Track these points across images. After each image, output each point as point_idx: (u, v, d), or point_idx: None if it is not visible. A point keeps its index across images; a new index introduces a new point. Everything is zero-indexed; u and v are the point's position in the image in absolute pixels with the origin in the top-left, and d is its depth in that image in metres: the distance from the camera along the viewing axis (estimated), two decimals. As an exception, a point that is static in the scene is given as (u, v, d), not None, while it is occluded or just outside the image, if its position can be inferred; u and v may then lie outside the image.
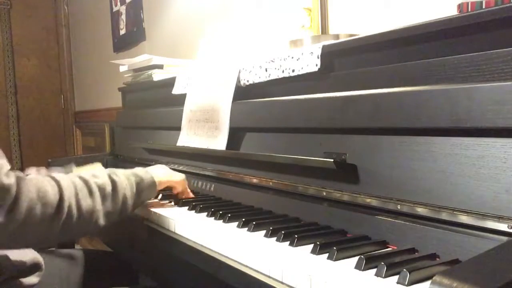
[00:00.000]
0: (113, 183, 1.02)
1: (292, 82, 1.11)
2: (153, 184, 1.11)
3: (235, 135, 1.26)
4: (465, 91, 0.71)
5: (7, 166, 0.85)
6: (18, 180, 0.85)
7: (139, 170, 1.12)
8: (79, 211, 0.93)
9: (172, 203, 1.20)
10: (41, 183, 0.89)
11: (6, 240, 0.86)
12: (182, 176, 1.23)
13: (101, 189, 0.99)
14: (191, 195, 1.25)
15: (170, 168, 1.24)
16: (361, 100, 0.89)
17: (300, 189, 1.00)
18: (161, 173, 1.17)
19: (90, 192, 0.97)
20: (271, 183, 1.08)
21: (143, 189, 1.09)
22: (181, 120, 1.50)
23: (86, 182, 0.98)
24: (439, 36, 0.79)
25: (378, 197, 0.82)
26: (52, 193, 0.89)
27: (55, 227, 0.89)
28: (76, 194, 0.94)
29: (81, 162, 1.90)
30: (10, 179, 0.83)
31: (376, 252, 0.74)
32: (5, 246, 0.98)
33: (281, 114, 1.10)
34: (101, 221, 0.98)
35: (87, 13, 3.72)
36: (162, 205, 1.19)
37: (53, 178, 0.93)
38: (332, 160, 0.88)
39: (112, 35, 3.23)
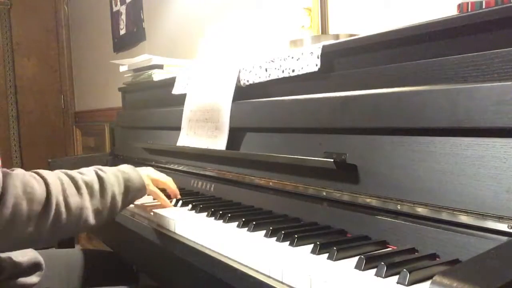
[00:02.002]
0: (100, 179, 0.99)
1: (292, 82, 1.11)
2: (140, 181, 1.08)
3: (235, 135, 1.26)
4: (465, 91, 0.71)
5: None
6: (4, 176, 0.82)
7: (126, 168, 1.10)
8: (68, 208, 0.90)
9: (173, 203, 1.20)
10: (27, 178, 0.86)
11: None
12: (168, 177, 1.22)
13: (89, 186, 0.96)
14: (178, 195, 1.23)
15: (168, 168, 1.24)
16: (361, 100, 0.89)
17: (300, 189, 1.00)
18: (148, 172, 1.15)
19: (78, 189, 0.94)
20: (271, 183, 1.08)
21: (131, 187, 1.06)
22: (181, 120, 1.50)
23: (72, 179, 0.95)
24: (439, 36, 0.79)
25: (378, 197, 0.82)
26: (39, 189, 0.86)
27: (44, 224, 0.86)
28: (64, 191, 0.91)
29: (81, 162, 1.90)
30: None
31: (376, 252, 0.74)
32: None
33: (281, 114, 1.10)
34: (91, 219, 0.95)
35: (87, 13, 3.72)
36: (162, 205, 1.19)
37: (39, 174, 0.90)
38: (332, 160, 0.88)
39: (112, 35, 3.23)
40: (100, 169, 1.03)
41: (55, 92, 4.10)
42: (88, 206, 0.94)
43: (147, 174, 1.13)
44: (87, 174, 0.99)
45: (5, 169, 0.85)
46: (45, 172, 0.92)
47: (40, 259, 1.13)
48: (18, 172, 0.87)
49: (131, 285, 1.42)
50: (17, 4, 3.89)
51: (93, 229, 0.99)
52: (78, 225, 0.94)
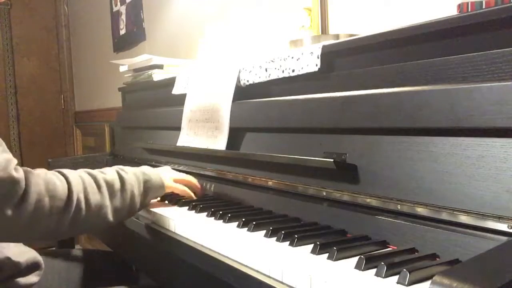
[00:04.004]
0: (121, 179, 1.02)
1: (292, 82, 1.11)
2: (160, 182, 1.12)
3: (235, 135, 1.26)
4: (465, 91, 0.71)
5: (15, 160, 0.86)
6: (27, 174, 0.86)
7: (148, 169, 1.13)
8: (88, 206, 0.93)
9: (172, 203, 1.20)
10: (49, 177, 0.90)
11: (17, 233, 0.87)
12: (189, 175, 1.24)
13: (109, 185, 0.99)
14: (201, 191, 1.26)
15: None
16: (361, 100, 0.89)
17: (300, 189, 1.00)
18: (170, 175, 1.18)
19: (99, 187, 0.97)
20: (271, 183, 1.08)
21: (151, 188, 1.09)
22: (181, 120, 1.50)
23: (94, 177, 0.98)
24: (439, 36, 0.79)
25: (378, 197, 0.82)
26: (60, 187, 0.90)
27: (65, 220, 0.90)
28: (85, 189, 0.94)
29: (81, 162, 1.90)
30: (19, 173, 0.84)
31: (376, 252, 0.74)
32: (16, 239, 0.99)
33: (281, 114, 1.10)
34: (110, 217, 0.98)
35: (87, 13, 3.72)
36: (162, 205, 1.19)
37: (61, 173, 0.94)
38: (332, 160, 0.88)
39: (112, 35, 3.23)
40: (121, 169, 1.06)
41: (55, 92, 4.10)
42: (107, 204, 0.98)
43: (170, 176, 1.17)
44: (109, 173, 1.02)
45: (27, 168, 0.88)
46: (67, 171, 0.95)
47: (40, 259, 1.13)
48: (40, 171, 0.91)
49: (131, 285, 1.42)
50: (17, 4, 3.89)
51: (112, 226, 1.03)
52: (97, 222, 0.97)
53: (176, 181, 1.18)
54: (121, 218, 1.03)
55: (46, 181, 0.88)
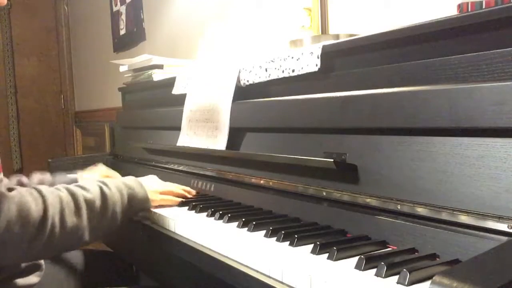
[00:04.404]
0: (103, 196, 1.00)
1: (292, 82, 1.11)
2: (145, 198, 1.10)
3: (235, 135, 1.26)
4: (465, 91, 0.71)
5: None
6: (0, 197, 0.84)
7: (132, 182, 1.10)
8: (63, 228, 0.91)
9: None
10: (24, 200, 0.87)
11: None
12: (171, 185, 1.23)
13: (90, 205, 0.97)
14: (193, 191, 1.25)
15: (168, 168, 1.24)
16: (361, 100, 0.89)
17: (300, 189, 1.00)
18: (154, 187, 1.15)
19: (78, 208, 0.95)
20: (271, 183, 1.08)
21: (135, 205, 1.07)
22: (181, 120, 1.50)
23: (74, 196, 0.96)
24: (439, 36, 0.79)
25: (378, 197, 0.82)
26: (35, 211, 0.88)
27: (36, 245, 0.88)
28: (62, 210, 0.92)
29: (81, 162, 1.90)
30: None
31: (376, 252, 0.74)
32: None
33: (281, 114, 1.10)
34: (86, 237, 0.96)
35: (87, 13, 3.72)
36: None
37: (40, 193, 0.92)
38: (332, 160, 0.88)
39: (112, 35, 3.23)
40: (105, 184, 1.04)
41: (55, 92, 4.10)
42: (84, 225, 0.96)
43: (155, 189, 1.14)
44: (91, 190, 1.00)
45: (2, 191, 0.86)
46: (46, 191, 0.93)
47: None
48: (15, 193, 0.88)
49: (131, 285, 1.42)
50: (17, 4, 3.89)
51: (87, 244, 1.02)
52: (72, 243, 0.96)
53: (162, 193, 1.16)
54: (98, 236, 1.01)
55: (20, 206, 0.86)
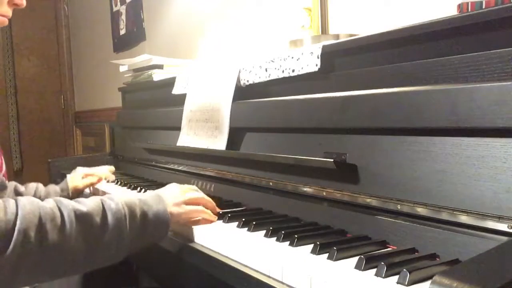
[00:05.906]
0: (105, 211, 0.82)
1: (292, 82, 1.11)
2: (164, 219, 0.89)
3: (235, 135, 1.26)
4: (465, 91, 0.71)
5: None
6: None
7: (148, 196, 0.91)
8: (43, 246, 0.75)
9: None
10: None
11: None
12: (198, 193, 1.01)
13: (83, 220, 0.80)
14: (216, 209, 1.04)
15: (168, 168, 1.23)
16: (361, 100, 0.89)
17: (300, 189, 1.00)
18: (174, 199, 0.93)
19: (64, 223, 0.77)
20: (271, 183, 1.08)
21: (151, 220, 0.87)
22: (181, 120, 1.50)
23: (61, 210, 0.79)
24: (439, 36, 0.79)
25: (378, 197, 0.82)
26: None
27: (5, 264, 0.71)
28: (41, 225, 0.75)
29: (81, 162, 1.90)
30: None
31: (376, 252, 0.74)
32: None
33: (281, 114, 1.09)
34: (81, 259, 0.79)
35: (87, 13, 3.72)
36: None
37: (15, 203, 0.77)
38: (332, 160, 0.88)
39: (112, 35, 3.23)
40: (111, 199, 0.86)
41: (55, 92, 4.10)
42: (75, 245, 0.78)
43: (173, 202, 0.92)
44: (88, 203, 0.84)
45: None
46: (25, 202, 0.78)
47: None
48: None
49: (131, 285, 1.42)
50: (17, 4, 3.88)
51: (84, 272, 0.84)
52: (63, 267, 0.79)
53: (187, 203, 0.95)
54: (100, 263, 0.83)
55: None
